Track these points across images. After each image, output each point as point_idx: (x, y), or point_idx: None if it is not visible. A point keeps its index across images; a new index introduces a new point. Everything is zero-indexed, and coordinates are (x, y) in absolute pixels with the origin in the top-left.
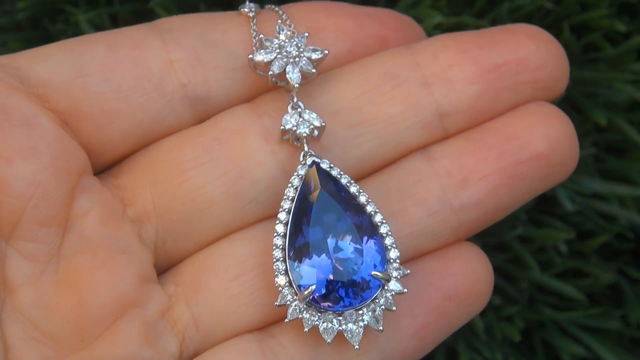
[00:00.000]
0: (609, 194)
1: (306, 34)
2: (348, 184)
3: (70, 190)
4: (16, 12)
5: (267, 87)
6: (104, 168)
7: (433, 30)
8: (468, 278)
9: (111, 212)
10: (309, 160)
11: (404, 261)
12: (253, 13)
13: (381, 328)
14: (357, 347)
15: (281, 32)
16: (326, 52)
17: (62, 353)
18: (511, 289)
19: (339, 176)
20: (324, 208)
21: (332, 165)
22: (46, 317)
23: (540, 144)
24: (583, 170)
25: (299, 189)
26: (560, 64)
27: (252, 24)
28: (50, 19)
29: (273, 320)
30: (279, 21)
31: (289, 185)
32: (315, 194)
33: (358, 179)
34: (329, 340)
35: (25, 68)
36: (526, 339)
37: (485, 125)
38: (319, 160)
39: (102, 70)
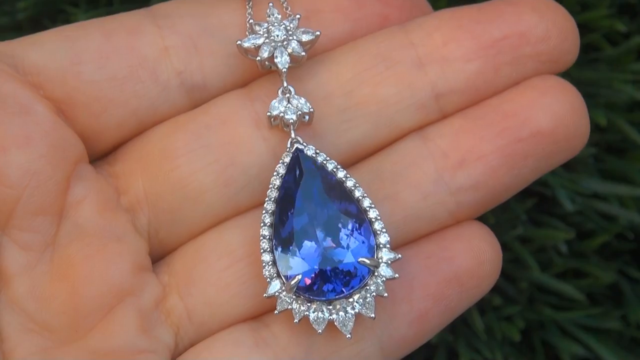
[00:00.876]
0: (609, 194)
1: (298, 16)
2: (335, 170)
3: (66, 178)
4: (16, 12)
5: (262, 72)
6: (100, 156)
7: None
8: (469, 259)
9: (106, 200)
10: (293, 148)
11: (400, 245)
12: None
13: (373, 315)
14: (349, 336)
15: (271, 15)
16: (317, 33)
17: (58, 344)
18: (511, 289)
19: (325, 162)
20: (309, 195)
21: (318, 152)
22: (41, 307)
23: (542, 120)
24: (583, 170)
25: (283, 177)
26: (566, 34)
27: (247, 7)
28: (50, 19)
29: (266, 309)
30: (271, 4)
31: (275, 173)
32: (300, 181)
33: (352, 163)
34: (319, 331)
35: (20, 56)
36: (526, 339)
37: (484, 102)
38: (303, 147)
39: (97, 58)
